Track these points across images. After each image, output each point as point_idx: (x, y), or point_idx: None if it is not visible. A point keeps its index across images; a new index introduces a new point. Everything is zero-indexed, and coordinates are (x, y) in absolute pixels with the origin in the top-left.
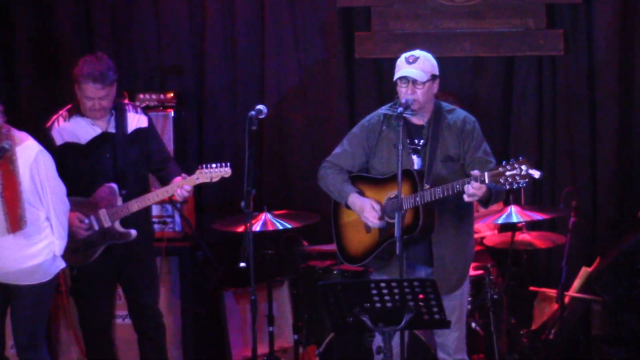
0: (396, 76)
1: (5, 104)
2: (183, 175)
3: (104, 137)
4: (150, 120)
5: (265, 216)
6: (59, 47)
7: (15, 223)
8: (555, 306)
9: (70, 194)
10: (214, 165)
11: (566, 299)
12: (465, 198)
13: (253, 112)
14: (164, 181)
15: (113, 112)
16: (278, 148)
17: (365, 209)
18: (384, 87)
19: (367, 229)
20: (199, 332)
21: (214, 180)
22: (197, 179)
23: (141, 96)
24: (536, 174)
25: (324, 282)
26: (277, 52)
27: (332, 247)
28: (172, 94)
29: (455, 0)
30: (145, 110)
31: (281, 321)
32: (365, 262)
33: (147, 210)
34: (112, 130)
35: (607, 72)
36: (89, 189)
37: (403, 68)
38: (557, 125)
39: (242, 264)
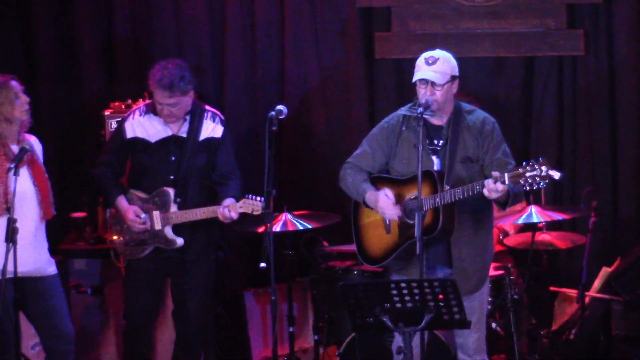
0: (415, 78)
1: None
2: (231, 200)
3: (173, 139)
4: (225, 132)
5: (285, 216)
6: (79, 49)
7: (49, 210)
8: (576, 306)
9: (132, 186)
10: (258, 199)
11: (587, 299)
12: (486, 193)
13: (273, 113)
14: (220, 197)
15: (188, 117)
16: (298, 148)
17: (379, 199)
18: (404, 87)
19: (387, 229)
20: (219, 332)
21: (255, 213)
22: (241, 207)
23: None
24: (556, 175)
25: (345, 282)
26: (297, 53)
27: (353, 247)
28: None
29: (475, 0)
30: (224, 121)
31: (301, 321)
32: (385, 263)
33: (209, 223)
34: (183, 134)
35: (627, 72)
36: (148, 187)
37: (422, 69)
38: (577, 125)
39: (263, 265)
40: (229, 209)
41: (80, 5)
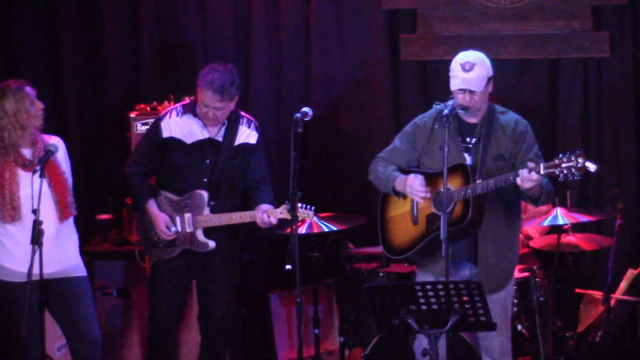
0: (453, 87)
1: (51, 111)
2: (269, 206)
3: (209, 142)
4: (259, 139)
5: (311, 218)
6: (104, 52)
7: (66, 211)
8: (602, 308)
9: (163, 186)
10: (299, 205)
11: (612, 301)
12: (518, 181)
13: (299, 115)
14: (253, 203)
15: (226, 121)
16: (324, 150)
17: (409, 178)
18: (429, 88)
19: (415, 220)
20: (245, 334)
21: (299, 219)
22: (281, 213)
23: (187, 99)
24: (592, 167)
25: (370, 284)
26: (322, 54)
27: (378, 249)
28: None
29: (500, 3)
30: (259, 127)
31: (327, 323)
32: (409, 254)
33: (234, 229)
34: (219, 138)
35: None
36: (180, 189)
37: (460, 77)
38: (602, 127)
39: (288, 267)
40: (268, 214)
41: (106, 8)
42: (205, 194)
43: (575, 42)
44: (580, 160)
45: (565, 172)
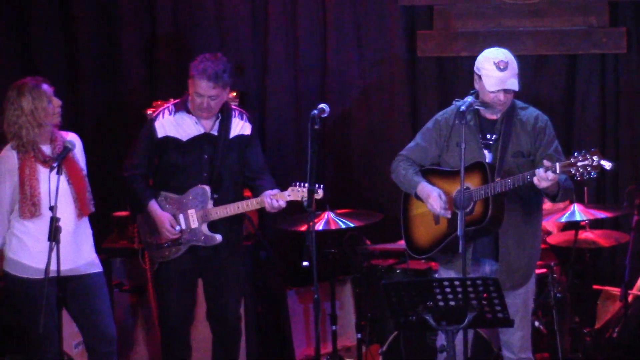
0: (495, 88)
1: (68, 107)
2: (275, 190)
3: (205, 137)
4: (253, 129)
5: (327, 215)
6: (121, 48)
7: (85, 207)
8: (619, 304)
9: (162, 186)
10: (306, 185)
11: (630, 298)
12: (535, 181)
13: (315, 111)
14: (256, 192)
15: (219, 115)
16: (340, 147)
17: (431, 196)
18: (446, 85)
19: (436, 220)
20: (262, 330)
21: (305, 199)
22: (289, 195)
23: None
24: (607, 165)
25: (388, 281)
26: (339, 51)
27: (395, 245)
28: (234, 93)
29: None
30: (251, 119)
31: (344, 320)
32: (432, 254)
33: (239, 218)
34: (214, 132)
35: None
36: (181, 186)
37: (495, 76)
38: (619, 123)
39: (305, 263)
40: (276, 197)
41: (122, 4)
42: (207, 188)
43: (592, 38)
44: (595, 158)
45: (581, 170)
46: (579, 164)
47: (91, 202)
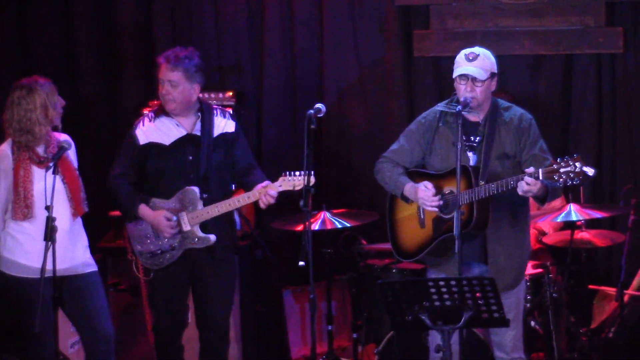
0: (456, 73)
1: (66, 107)
2: (266, 182)
3: (188, 138)
4: (237, 126)
5: (324, 215)
6: (119, 48)
7: (79, 207)
8: (615, 304)
9: (150, 193)
10: (297, 173)
11: (626, 298)
12: (520, 192)
13: (312, 111)
14: (247, 188)
15: (199, 114)
16: (337, 147)
17: (419, 190)
18: (443, 85)
19: (422, 223)
20: (258, 330)
21: (297, 188)
22: (280, 185)
23: (200, 95)
24: (590, 171)
25: (383, 280)
26: (335, 51)
27: (391, 245)
28: (231, 93)
29: None
30: (234, 116)
31: (340, 320)
32: (419, 258)
33: (231, 220)
34: (197, 132)
35: None
36: (169, 190)
37: (463, 65)
38: (616, 122)
39: (301, 263)
40: (267, 189)
41: (121, 4)
42: (196, 189)
43: (588, 38)
44: (578, 164)
45: (564, 177)
46: (562, 170)
47: (85, 202)
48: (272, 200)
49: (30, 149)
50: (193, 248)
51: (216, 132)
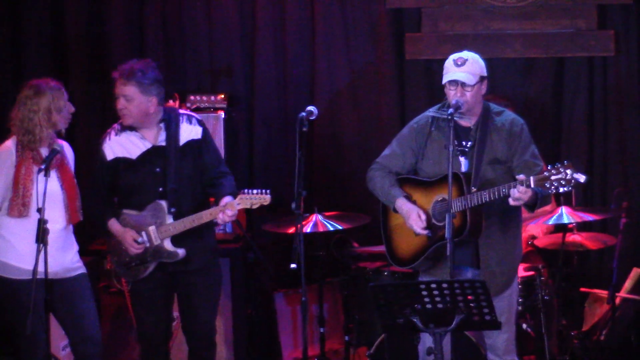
0: (445, 79)
1: None
2: (227, 199)
3: (154, 151)
4: (204, 131)
5: (315, 217)
6: (110, 51)
7: (75, 214)
8: (606, 307)
9: (124, 207)
10: (255, 192)
11: (617, 300)
12: (511, 202)
13: (304, 114)
14: (216, 199)
15: (162, 125)
16: (328, 149)
17: (411, 217)
18: (435, 88)
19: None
20: (250, 332)
21: (254, 207)
22: (238, 204)
23: (192, 97)
24: (581, 178)
25: (375, 283)
26: (327, 54)
27: (383, 248)
28: (222, 96)
29: (505, 2)
30: (202, 121)
31: (332, 322)
32: (414, 265)
33: (208, 227)
34: (162, 143)
35: None
36: (140, 204)
37: (451, 71)
38: (608, 126)
39: (293, 266)
40: (227, 207)
41: (112, 6)
42: (164, 203)
43: (580, 41)
44: (569, 172)
45: (555, 184)
46: (553, 177)
47: (80, 210)
48: (229, 220)
49: (33, 149)
50: (165, 262)
51: (183, 140)
